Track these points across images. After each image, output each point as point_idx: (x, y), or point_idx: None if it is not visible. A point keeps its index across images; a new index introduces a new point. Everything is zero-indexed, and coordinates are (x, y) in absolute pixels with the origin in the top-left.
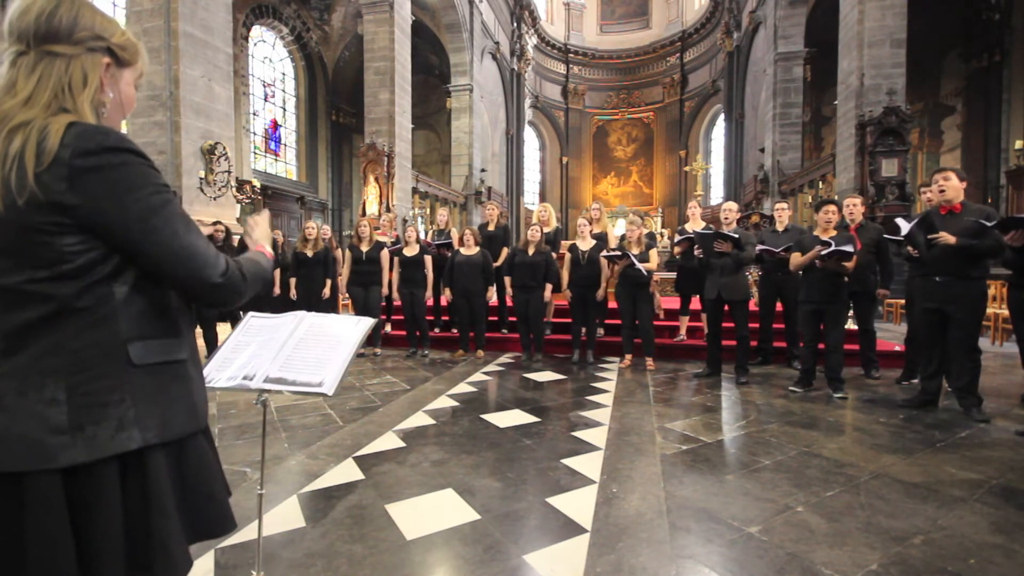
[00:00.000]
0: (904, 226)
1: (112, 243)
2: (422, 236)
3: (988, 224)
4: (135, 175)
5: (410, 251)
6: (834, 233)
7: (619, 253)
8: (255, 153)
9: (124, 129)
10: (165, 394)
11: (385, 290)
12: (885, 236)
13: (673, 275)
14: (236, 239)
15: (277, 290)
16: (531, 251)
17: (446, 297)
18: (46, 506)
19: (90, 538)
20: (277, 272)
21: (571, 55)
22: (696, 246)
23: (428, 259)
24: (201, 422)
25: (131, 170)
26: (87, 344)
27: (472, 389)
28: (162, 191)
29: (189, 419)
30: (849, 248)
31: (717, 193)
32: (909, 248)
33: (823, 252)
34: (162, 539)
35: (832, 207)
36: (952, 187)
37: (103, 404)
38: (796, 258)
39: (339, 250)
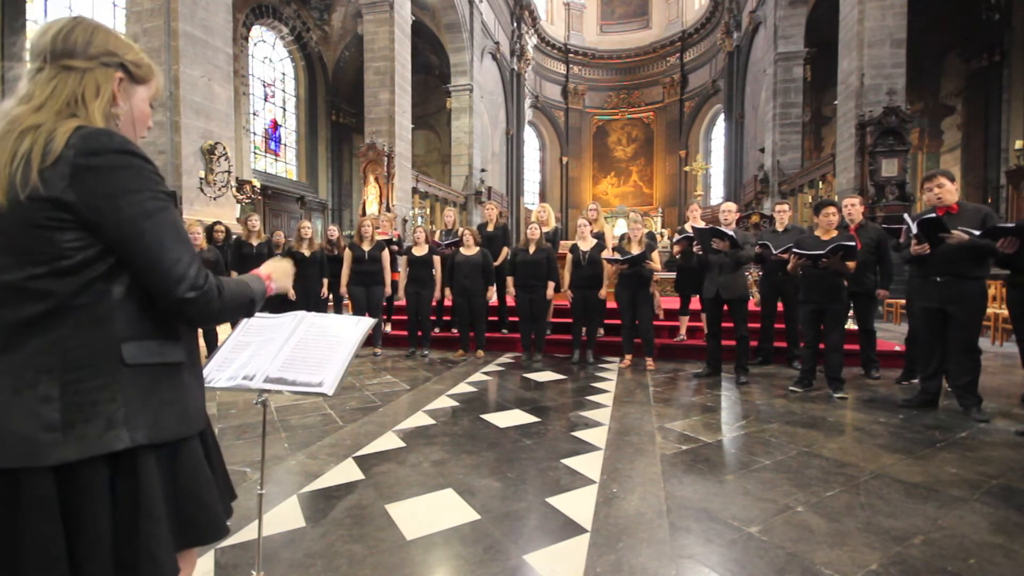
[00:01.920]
0: (912, 227)
1: (104, 240)
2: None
3: (976, 233)
4: (135, 178)
5: (419, 251)
6: (835, 234)
7: (626, 256)
8: (255, 153)
9: None
10: (156, 396)
11: (388, 290)
12: (885, 226)
13: (673, 275)
14: (235, 238)
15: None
16: (532, 249)
17: (448, 297)
18: (40, 504)
19: (79, 538)
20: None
21: (571, 55)
22: (695, 242)
23: (437, 259)
24: (194, 427)
25: (132, 173)
26: (82, 342)
27: (472, 389)
28: (159, 197)
29: (181, 423)
30: (853, 243)
31: (717, 193)
32: (916, 243)
33: (826, 251)
34: (148, 543)
35: (832, 208)
36: (946, 191)
37: (93, 403)
38: (793, 260)
39: (347, 250)
